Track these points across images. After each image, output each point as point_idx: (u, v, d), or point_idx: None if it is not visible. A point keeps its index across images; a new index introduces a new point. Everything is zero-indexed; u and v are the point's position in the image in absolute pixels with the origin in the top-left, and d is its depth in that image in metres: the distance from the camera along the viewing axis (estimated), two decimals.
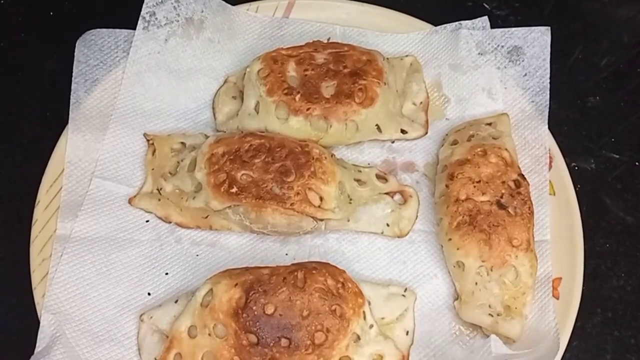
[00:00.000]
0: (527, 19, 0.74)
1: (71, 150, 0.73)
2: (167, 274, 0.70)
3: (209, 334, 0.61)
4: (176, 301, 0.66)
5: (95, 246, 0.70)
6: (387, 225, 0.73)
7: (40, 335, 0.62)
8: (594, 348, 0.72)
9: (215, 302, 0.62)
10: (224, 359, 0.60)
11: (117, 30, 0.80)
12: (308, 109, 0.74)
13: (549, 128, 0.74)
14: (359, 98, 0.75)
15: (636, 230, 0.76)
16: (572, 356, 0.71)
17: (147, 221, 0.73)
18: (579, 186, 0.77)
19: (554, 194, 0.75)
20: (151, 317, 0.66)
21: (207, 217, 0.72)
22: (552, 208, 0.74)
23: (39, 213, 0.70)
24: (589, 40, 0.85)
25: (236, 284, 0.62)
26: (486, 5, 0.87)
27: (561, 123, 0.80)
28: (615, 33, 0.86)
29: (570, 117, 0.82)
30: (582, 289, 0.69)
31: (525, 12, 0.74)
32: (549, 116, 0.74)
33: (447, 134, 0.79)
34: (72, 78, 0.76)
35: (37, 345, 0.62)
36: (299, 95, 0.74)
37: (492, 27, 0.81)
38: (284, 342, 0.60)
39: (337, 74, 0.76)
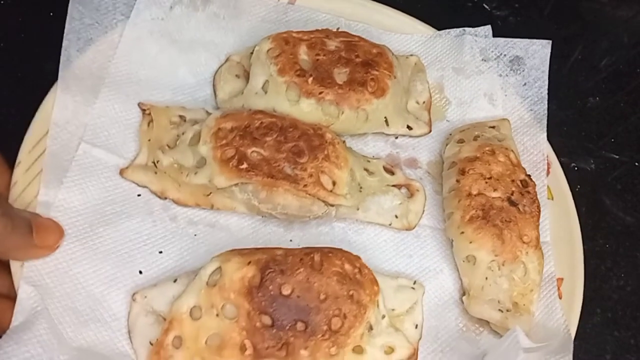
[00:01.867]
0: (527, 20, 0.75)
1: (58, 111, 0.65)
2: (161, 252, 0.63)
3: (217, 315, 0.55)
4: (175, 280, 0.60)
5: (80, 218, 0.62)
6: (396, 217, 0.71)
7: (17, 309, 0.53)
8: (594, 348, 0.72)
9: (226, 281, 0.56)
10: (233, 342, 0.55)
11: None
12: (321, 93, 0.71)
13: (548, 128, 0.74)
14: (371, 87, 0.73)
15: (636, 231, 0.77)
16: (572, 356, 0.69)
17: (139, 195, 0.66)
18: (578, 186, 0.78)
19: (552, 199, 0.76)
20: (145, 297, 0.59)
21: (209, 194, 0.66)
22: (551, 212, 0.75)
23: (19, 175, 0.62)
24: (588, 40, 0.86)
25: (249, 262, 0.57)
26: (486, 6, 0.88)
27: (561, 123, 0.81)
28: (614, 33, 0.87)
29: (570, 118, 0.82)
30: (583, 290, 0.69)
31: (525, 12, 0.76)
32: (548, 116, 0.75)
33: (450, 134, 0.79)
34: (64, 35, 0.69)
35: (13, 319, 0.53)
36: (311, 78, 0.71)
37: (492, 26, 0.82)
38: (300, 325, 0.56)
39: (349, 61, 0.74)
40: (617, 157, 0.81)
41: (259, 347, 0.55)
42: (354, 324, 0.58)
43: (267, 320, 0.55)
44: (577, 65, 0.86)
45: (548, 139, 0.77)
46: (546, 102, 0.81)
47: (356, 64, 0.74)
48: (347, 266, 0.60)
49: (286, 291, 0.56)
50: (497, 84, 0.83)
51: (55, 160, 0.63)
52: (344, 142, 0.71)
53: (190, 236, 0.65)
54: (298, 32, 0.76)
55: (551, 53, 0.80)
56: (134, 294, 0.59)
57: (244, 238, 0.67)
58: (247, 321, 0.55)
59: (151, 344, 0.56)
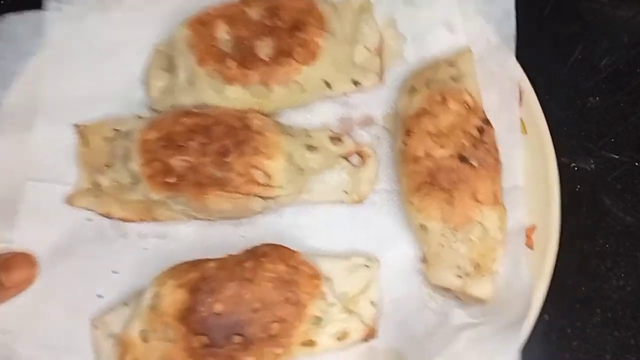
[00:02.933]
0: (526, 19, 0.70)
1: None
2: (115, 272, 0.66)
3: (160, 338, 0.58)
4: (126, 304, 0.63)
5: (38, 255, 0.66)
6: (345, 192, 0.67)
7: None
8: (594, 348, 0.71)
9: (163, 306, 0.58)
10: None
11: (27, 12, 0.71)
12: (244, 76, 0.66)
13: (550, 126, 0.69)
14: (299, 55, 0.67)
15: (636, 231, 0.75)
16: (572, 356, 0.70)
17: (90, 220, 0.68)
18: (578, 186, 0.76)
19: (526, 133, 0.68)
20: (104, 323, 0.63)
21: (149, 209, 0.67)
22: (524, 149, 0.67)
23: None
24: (588, 40, 0.83)
25: (181, 285, 0.58)
26: None
27: (561, 123, 0.78)
28: (615, 33, 0.83)
29: (570, 117, 0.80)
30: (582, 288, 0.71)
31: (525, 12, 0.70)
32: (548, 116, 0.69)
33: (405, 80, 0.71)
34: None
35: None
36: (232, 61, 0.67)
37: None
38: (237, 339, 0.57)
39: (273, 30, 0.68)
40: (617, 157, 0.78)
41: None
42: (294, 324, 0.58)
43: (204, 340, 0.57)
44: (577, 65, 0.82)
45: (551, 138, 0.70)
46: (514, 18, 0.69)
47: (281, 31, 0.68)
48: (281, 268, 0.59)
49: (218, 309, 0.57)
50: (454, 7, 0.72)
51: (3, 205, 0.66)
52: (276, 123, 0.67)
53: (141, 250, 0.67)
54: (216, 8, 0.70)
55: (551, 53, 0.80)
56: (93, 321, 0.63)
57: (194, 243, 0.67)
58: (186, 343, 0.57)
59: None
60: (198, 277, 0.59)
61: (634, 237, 0.75)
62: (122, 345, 0.60)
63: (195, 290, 0.58)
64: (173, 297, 0.58)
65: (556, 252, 0.63)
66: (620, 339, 0.71)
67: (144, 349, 0.59)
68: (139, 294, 0.62)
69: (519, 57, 0.69)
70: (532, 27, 0.81)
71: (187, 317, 0.57)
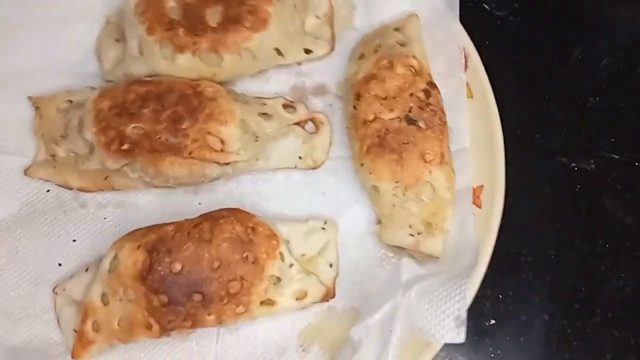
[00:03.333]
0: (527, 20, 0.72)
1: None
2: (74, 241, 0.67)
3: (120, 300, 0.60)
4: (86, 270, 0.64)
5: None
6: (300, 158, 0.69)
7: None
8: (594, 348, 0.71)
9: (121, 268, 0.60)
10: (138, 322, 0.59)
11: None
12: (194, 44, 0.67)
13: (550, 126, 0.72)
14: (248, 22, 0.68)
15: (636, 231, 0.76)
16: (572, 356, 0.71)
17: (48, 191, 0.69)
18: (578, 186, 0.76)
19: (472, 97, 0.70)
20: (64, 289, 0.64)
21: (106, 178, 0.68)
22: (471, 112, 0.70)
23: None
24: (588, 40, 0.83)
25: (139, 246, 0.60)
26: (486, 6, 0.84)
27: (561, 123, 0.79)
28: (615, 33, 0.84)
29: (570, 118, 0.80)
30: (582, 288, 0.70)
31: (525, 12, 0.72)
32: (548, 116, 0.71)
33: (354, 47, 0.73)
34: None
35: None
36: (181, 29, 0.67)
37: (492, 26, 0.80)
38: (196, 297, 0.59)
39: None
40: (617, 157, 0.78)
41: (162, 323, 0.59)
42: (253, 282, 0.60)
43: (163, 298, 0.58)
44: (577, 65, 0.82)
45: (548, 139, 0.74)
46: None
47: None
48: (238, 228, 0.61)
49: (176, 268, 0.59)
50: None
51: None
52: (229, 92, 0.68)
53: (100, 220, 0.68)
54: None
55: (551, 53, 0.78)
56: (54, 288, 0.64)
57: (154, 212, 0.69)
58: (146, 302, 0.58)
59: (75, 331, 0.62)
60: (156, 238, 0.60)
61: (634, 237, 0.75)
62: (84, 309, 0.61)
63: (153, 250, 0.59)
64: (132, 259, 0.59)
65: (502, 210, 0.66)
66: (620, 339, 0.72)
67: (106, 312, 0.60)
68: (98, 259, 0.64)
69: (520, 57, 0.70)
70: (532, 27, 0.83)
71: (146, 276, 0.58)
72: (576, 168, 0.77)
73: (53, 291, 0.64)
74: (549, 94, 0.75)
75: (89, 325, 0.61)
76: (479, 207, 0.67)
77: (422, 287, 0.59)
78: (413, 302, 0.59)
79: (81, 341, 0.61)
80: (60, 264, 0.66)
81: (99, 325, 0.61)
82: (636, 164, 0.79)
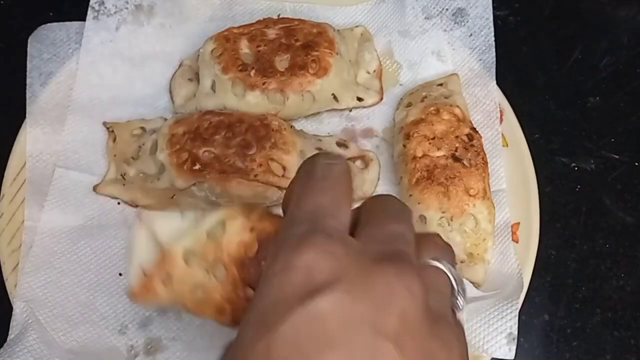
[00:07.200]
0: (527, 20, 0.74)
1: (31, 144, 0.73)
2: None
3: (207, 270, 0.54)
4: (182, 215, 0.57)
5: (63, 235, 0.70)
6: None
7: (12, 324, 0.63)
8: (594, 348, 0.71)
9: (224, 240, 0.53)
10: (213, 301, 0.54)
11: (68, 23, 0.80)
12: (264, 83, 0.75)
13: (550, 126, 0.75)
14: (312, 69, 0.77)
15: (636, 231, 0.76)
16: (572, 356, 0.71)
17: (118, 204, 0.73)
18: (578, 186, 0.77)
19: (507, 146, 0.78)
20: (150, 221, 0.56)
21: (173, 196, 0.73)
22: (506, 159, 0.77)
23: (5, 206, 0.70)
24: (588, 40, 0.85)
25: (252, 229, 0.54)
26: None
27: (561, 123, 0.80)
28: (615, 33, 0.85)
29: (570, 117, 0.81)
30: (582, 288, 0.71)
31: (525, 12, 0.75)
32: (548, 115, 0.75)
33: (401, 98, 0.82)
34: (27, 73, 0.76)
35: (9, 333, 0.62)
36: (253, 71, 0.76)
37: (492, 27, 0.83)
38: None
39: (289, 47, 0.78)
40: (617, 157, 0.79)
41: (237, 314, 0.54)
42: None
43: (250, 292, 0.53)
44: (577, 65, 0.84)
45: (548, 138, 0.76)
46: (494, 50, 0.81)
47: (296, 48, 0.78)
48: None
49: None
50: (443, 39, 0.84)
51: (34, 187, 0.71)
52: (291, 127, 0.76)
53: None
54: (238, 27, 0.80)
55: (551, 53, 0.79)
56: (140, 214, 0.56)
57: None
58: (232, 288, 0.53)
59: (143, 272, 0.55)
60: (270, 231, 0.54)
61: (634, 237, 0.75)
62: (163, 254, 0.54)
63: (265, 242, 0.53)
64: (239, 237, 0.53)
65: (537, 245, 0.71)
66: (620, 339, 0.71)
67: (182, 270, 0.54)
68: (198, 211, 0.57)
69: (520, 57, 0.72)
70: (532, 27, 0.84)
71: (248, 265, 0.52)
72: (576, 168, 0.77)
73: (138, 216, 0.56)
74: (549, 94, 0.75)
75: (162, 274, 0.54)
76: (516, 242, 0.72)
77: (474, 307, 0.63)
78: (465, 318, 0.62)
79: (146, 286, 0.54)
80: (120, 274, 0.69)
81: (170, 280, 0.54)
82: (636, 164, 0.78)
